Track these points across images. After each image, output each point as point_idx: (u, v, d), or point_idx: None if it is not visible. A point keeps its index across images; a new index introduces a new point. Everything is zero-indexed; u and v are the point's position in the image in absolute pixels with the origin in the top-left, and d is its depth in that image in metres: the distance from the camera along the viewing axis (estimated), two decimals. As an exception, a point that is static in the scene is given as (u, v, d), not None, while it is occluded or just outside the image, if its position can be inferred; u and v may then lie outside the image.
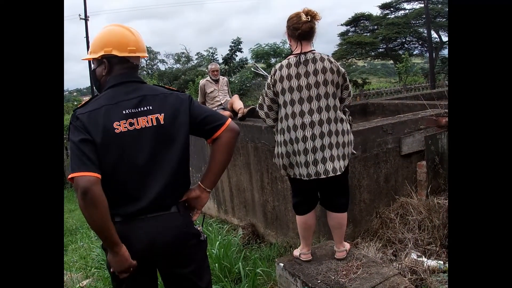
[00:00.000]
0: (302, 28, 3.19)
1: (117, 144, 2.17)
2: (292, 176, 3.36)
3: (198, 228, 2.43)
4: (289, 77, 3.22)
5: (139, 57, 2.37)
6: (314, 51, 3.27)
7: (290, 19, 3.28)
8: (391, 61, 38.79)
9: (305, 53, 3.25)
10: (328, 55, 3.32)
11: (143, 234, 2.24)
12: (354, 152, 3.54)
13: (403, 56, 27.70)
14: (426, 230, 4.22)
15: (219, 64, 26.40)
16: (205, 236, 2.48)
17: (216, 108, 6.95)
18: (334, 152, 3.23)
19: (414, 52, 35.44)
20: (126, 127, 2.18)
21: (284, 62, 3.28)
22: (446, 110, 5.16)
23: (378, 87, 25.70)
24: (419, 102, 6.69)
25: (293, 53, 3.30)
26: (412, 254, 3.85)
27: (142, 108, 2.22)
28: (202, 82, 7.30)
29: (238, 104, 6.68)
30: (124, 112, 2.19)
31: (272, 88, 3.30)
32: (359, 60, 38.89)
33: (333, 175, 3.24)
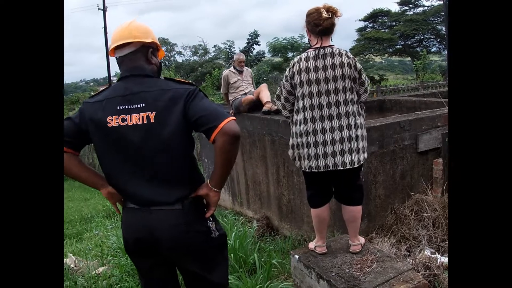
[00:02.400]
0: (323, 24, 3.22)
1: (108, 137, 2.27)
2: (307, 170, 3.39)
3: (210, 225, 2.39)
4: (307, 70, 3.24)
5: (133, 43, 2.34)
6: (333, 46, 3.29)
7: (310, 14, 3.29)
8: (409, 58, 38.55)
9: (324, 48, 3.27)
10: (346, 51, 3.35)
11: (141, 224, 2.32)
12: None
13: (421, 53, 27.49)
14: (441, 227, 4.23)
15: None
16: (219, 233, 2.44)
17: (239, 96, 6.87)
18: (353, 145, 3.26)
19: (432, 50, 35.20)
20: (118, 122, 2.23)
21: (303, 55, 3.31)
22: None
23: (395, 83, 25.55)
24: (436, 99, 6.68)
25: (312, 47, 3.33)
26: (426, 250, 3.87)
27: (135, 105, 2.23)
28: (225, 72, 7.17)
29: (265, 95, 6.49)
30: (118, 107, 2.24)
31: (289, 80, 3.33)
32: (376, 56, 38.71)
33: (350, 167, 3.27)
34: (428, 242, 4.09)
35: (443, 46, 33.19)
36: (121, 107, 2.24)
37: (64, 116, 2.29)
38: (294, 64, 3.32)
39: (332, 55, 3.24)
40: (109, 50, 2.46)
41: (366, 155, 3.37)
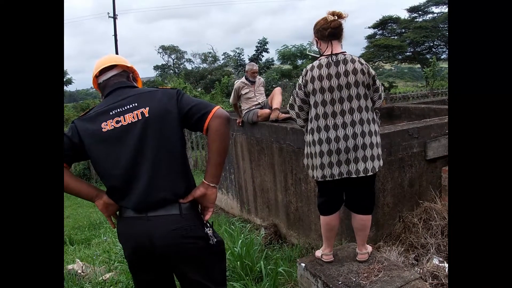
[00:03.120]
0: (331, 26, 3.24)
1: (104, 142, 2.29)
2: (320, 179, 3.36)
3: (208, 231, 2.39)
4: (320, 77, 3.23)
5: (117, 66, 2.51)
6: (345, 53, 3.29)
7: (317, 24, 3.33)
8: (418, 65, 38.47)
9: (336, 54, 3.26)
10: (358, 57, 3.34)
11: (140, 232, 2.31)
12: None
13: (430, 60, 27.40)
14: (449, 236, 4.19)
15: (244, 64, 26.44)
16: (216, 240, 2.43)
17: (253, 108, 6.76)
18: (368, 153, 3.25)
19: (442, 57, 35.02)
20: (112, 125, 2.28)
21: (316, 63, 3.29)
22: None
23: (404, 91, 25.50)
24: (445, 106, 6.64)
25: (324, 54, 3.32)
26: (434, 259, 3.84)
27: (128, 106, 2.30)
28: (237, 84, 7.03)
29: (276, 101, 6.45)
30: (111, 113, 2.30)
31: (303, 89, 3.32)
32: (386, 63, 38.63)
33: (363, 175, 3.26)
34: (437, 250, 4.05)
35: (453, 53, 33.03)
36: (113, 112, 2.30)
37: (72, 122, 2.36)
38: (306, 72, 3.31)
39: (345, 61, 3.24)
40: (92, 78, 2.57)
41: (381, 162, 3.36)
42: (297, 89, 3.36)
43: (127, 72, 2.55)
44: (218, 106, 2.33)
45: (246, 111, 6.79)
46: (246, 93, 6.88)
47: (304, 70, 3.36)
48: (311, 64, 3.32)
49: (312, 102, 3.28)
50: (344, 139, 3.22)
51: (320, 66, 3.26)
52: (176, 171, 2.34)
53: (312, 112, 3.29)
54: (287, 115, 5.87)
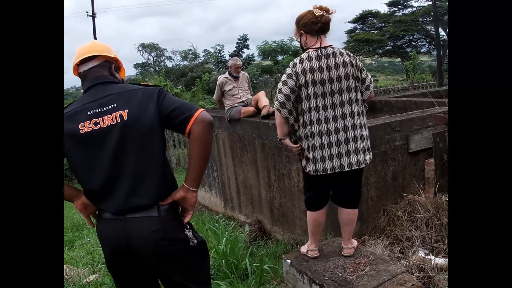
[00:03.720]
0: (321, 21, 3.21)
1: (82, 144, 2.21)
2: (312, 173, 3.33)
3: (188, 233, 2.33)
4: (312, 70, 3.19)
5: (98, 56, 2.39)
6: (332, 46, 3.28)
7: (303, 17, 3.27)
8: (399, 59, 38.72)
9: (325, 48, 3.24)
10: (345, 50, 3.34)
11: (118, 234, 2.26)
12: None
13: (410, 53, 27.59)
14: (434, 228, 4.20)
15: (226, 61, 26.42)
16: (197, 241, 2.37)
17: (237, 105, 6.70)
18: (359, 145, 3.25)
19: (422, 50, 35.33)
20: (90, 127, 2.20)
21: (304, 55, 3.25)
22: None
23: (385, 84, 25.65)
24: (427, 99, 6.66)
25: (312, 47, 3.28)
26: (419, 252, 3.84)
27: (106, 107, 2.21)
28: (220, 79, 6.96)
29: (263, 101, 6.36)
30: (89, 113, 2.22)
31: (293, 78, 3.22)
32: (366, 57, 38.79)
33: (357, 167, 3.26)
34: (422, 243, 4.06)
35: (433, 47, 33.30)
36: (92, 112, 2.22)
37: None
38: (295, 65, 3.24)
39: (334, 54, 3.23)
40: (72, 67, 2.45)
41: (371, 155, 3.37)
42: (285, 78, 3.26)
43: (110, 63, 2.43)
44: (202, 109, 2.24)
45: (228, 107, 6.73)
46: (230, 90, 6.78)
47: (292, 62, 3.30)
48: (299, 57, 3.28)
49: (304, 95, 3.22)
50: (335, 132, 3.20)
51: (310, 59, 3.21)
52: (156, 176, 2.27)
53: (304, 105, 3.24)
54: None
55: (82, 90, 2.43)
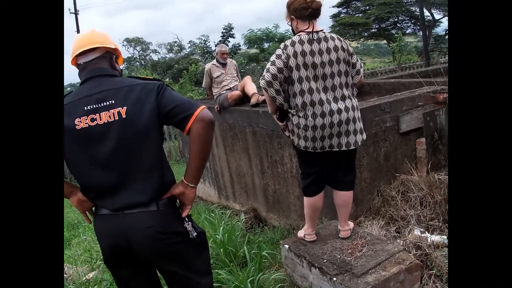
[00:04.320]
0: (312, 6, 3.22)
1: (79, 140, 2.19)
2: (302, 148, 3.34)
3: (187, 226, 2.34)
4: (303, 53, 3.20)
5: (99, 48, 2.35)
6: (323, 31, 3.31)
7: (294, 2, 3.27)
8: (384, 41, 38.73)
9: (317, 32, 3.27)
10: (335, 34, 3.37)
11: (116, 230, 2.25)
12: None
13: (396, 35, 27.62)
14: (428, 206, 4.23)
15: (212, 51, 26.33)
16: (197, 232, 2.38)
17: (224, 92, 6.65)
18: (351, 127, 3.28)
19: (407, 31, 35.34)
20: (87, 123, 2.17)
21: (296, 38, 3.26)
22: (443, 87, 5.15)
23: (372, 67, 25.64)
24: (415, 80, 6.67)
25: (303, 30, 3.28)
26: (415, 230, 3.87)
27: (104, 103, 2.18)
28: (208, 66, 6.94)
29: (251, 88, 6.31)
30: (85, 108, 2.18)
31: (282, 59, 3.22)
32: (352, 41, 38.71)
33: (354, 147, 3.31)
34: (417, 221, 4.09)
35: (418, 27, 33.37)
36: (89, 107, 2.18)
37: None
38: (286, 47, 3.25)
39: (326, 39, 3.25)
40: (70, 57, 2.39)
41: (364, 136, 3.40)
42: (274, 59, 3.24)
43: (110, 54, 2.39)
44: (203, 107, 2.21)
45: (216, 95, 6.72)
46: (218, 76, 6.77)
47: (283, 44, 3.30)
48: (290, 39, 3.28)
49: (296, 77, 3.21)
50: (329, 114, 3.22)
51: (301, 42, 3.23)
52: (155, 174, 2.27)
53: (296, 87, 3.25)
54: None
55: (68, 89, 2.41)
